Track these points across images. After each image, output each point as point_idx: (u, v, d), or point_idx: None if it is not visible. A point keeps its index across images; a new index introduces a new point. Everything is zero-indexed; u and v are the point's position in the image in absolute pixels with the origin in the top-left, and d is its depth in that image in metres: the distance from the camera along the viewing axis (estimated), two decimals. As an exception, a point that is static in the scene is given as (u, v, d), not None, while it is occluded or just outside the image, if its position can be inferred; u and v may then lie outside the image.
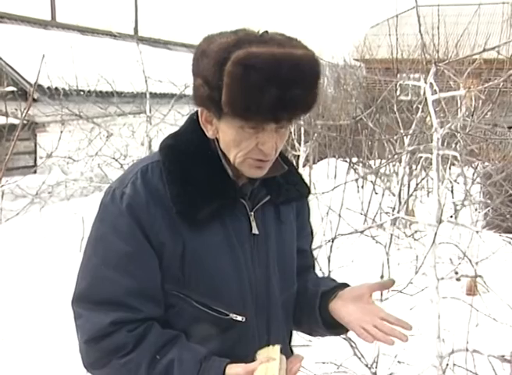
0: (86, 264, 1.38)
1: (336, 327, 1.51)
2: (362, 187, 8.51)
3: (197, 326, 1.37)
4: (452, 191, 6.80)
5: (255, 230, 1.43)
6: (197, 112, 1.41)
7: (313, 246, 1.74)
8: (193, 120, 1.42)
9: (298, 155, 8.45)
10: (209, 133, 1.37)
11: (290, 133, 7.56)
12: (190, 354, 1.30)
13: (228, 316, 1.38)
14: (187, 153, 1.39)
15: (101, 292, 1.33)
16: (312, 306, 1.52)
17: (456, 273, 4.72)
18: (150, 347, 1.30)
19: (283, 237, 1.52)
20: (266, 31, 1.28)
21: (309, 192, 1.60)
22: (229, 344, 1.38)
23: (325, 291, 1.52)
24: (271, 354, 1.34)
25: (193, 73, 1.32)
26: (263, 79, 1.19)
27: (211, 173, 1.38)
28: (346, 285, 1.54)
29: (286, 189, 1.51)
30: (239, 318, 1.39)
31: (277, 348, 1.36)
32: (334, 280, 1.65)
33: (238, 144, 1.31)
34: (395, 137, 5.09)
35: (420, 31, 2.84)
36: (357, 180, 6.04)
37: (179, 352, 1.30)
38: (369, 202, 7.53)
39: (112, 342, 1.31)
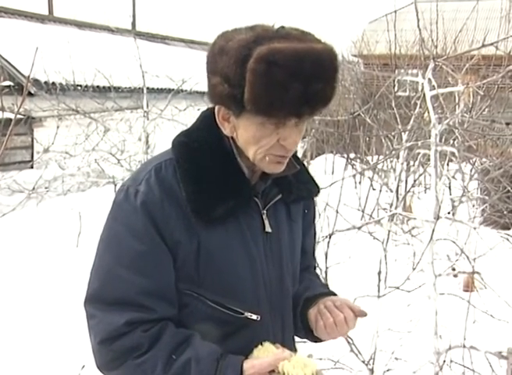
0: (99, 263, 1.37)
1: (313, 334, 1.51)
2: (360, 183, 8.52)
3: (211, 325, 1.36)
4: (450, 188, 6.80)
5: (268, 228, 1.43)
6: (209, 109, 1.41)
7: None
8: (207, 117, 1.41)
9: (296, 151, 8.44)
10: (226, 131, 1.36)
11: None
12: (206, 352, 1.29)
13: (243, 314, 1.38)
14: (201, 151, 1.37)
15: (115, 292, 1.31)
16: (295, 310, 1.53)
17: (454, 269, 4.72)
18: (165, 347, 1.29)
19: (293, 235, 1.52)
20: (282, 26, 1.28)
21: (319, 191, 1.60)
22: (244, 342, 1.37)
23: (309, 297, 1.53)
24: (271, 351, 1.33)
25: (210, 71, 1.30)
26: (287, 75, 1.19)
27: (226, 171, 1.37)
28: (331, 293, 1.55)
29: (297, 188, 1.51)
30: (253, 316, 1.39)
31: (269, 344, 1.36)
32: (325, 286, 1.66)
33: (258, 141, 1.31)
34: (393, 133, 5.08)
35: (418, 26, 2.83)
36: (354, 175, 6.04)
37: (195, 351, 1.29)
38: (366, 198, 7.53)
39: (126, 343, 1.30)
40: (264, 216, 1.43)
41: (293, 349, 1.49)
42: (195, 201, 1.32)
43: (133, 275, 1.31)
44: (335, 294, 1.54)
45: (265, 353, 1.33)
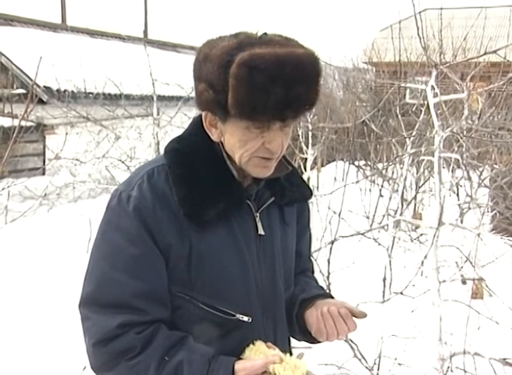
0: (93, 267, 1.39)
1: (311, 335, 1.51)
2: (370, 190, 8.50)
3: (203, 327, 1.38)
4: (457, 194, 6.78)
5: (261, 231, 1.45)
6: (200, 115, 1.43)
7: (313, 248, 1.75)
8: (197, 123, 1.44)
9: (306, 158, 8.46)
10: (214, 137, 1.38)
11: (298, 136, 7.57)
12: (199, 354, 1.31)
13: (234, 316, 1.39)
14: (193, 156, 1.40)
15: (109, 295, 1.33)
16: (291, 312, 1.54)
17: (462, 275, 4.70)
18: (158, 348, 1.31)
19: (287, 238, 1.54)
20: (265, 33, 1.31)
21: (311, 194, 1.62)
22: (236, 344, 1.39)
23: (305, 298, 1.54)
24: (263, 351, 1.35)
25: (196, 78, 1.34)
26: (268, 79, 1.21)
27: (217, 174, 1.39)
28: (328, 295, 1.56)
29: (290, 190, 1.53)
30: (245, 318, 1.40)
31: (261, 343, 1.37)
32: (321, 288, 1.67)
33: (244, 145, 1.33)
34: (394, 140, 5.08)
35: (418, 34, 2.86)
36: (357, 182, 6.02)
37: (187, 353, 1.31)
38: (376, 206, 7.51)
39: (120, 345, 1.31)
40: (258, 219, 1.45)
41: (287, 351, 1.51)
42: (187, 204, 1.34)
43: (126, 278, 1.33)
44: (331, 296, 1.55)
45: (257, 353, 1.34)
